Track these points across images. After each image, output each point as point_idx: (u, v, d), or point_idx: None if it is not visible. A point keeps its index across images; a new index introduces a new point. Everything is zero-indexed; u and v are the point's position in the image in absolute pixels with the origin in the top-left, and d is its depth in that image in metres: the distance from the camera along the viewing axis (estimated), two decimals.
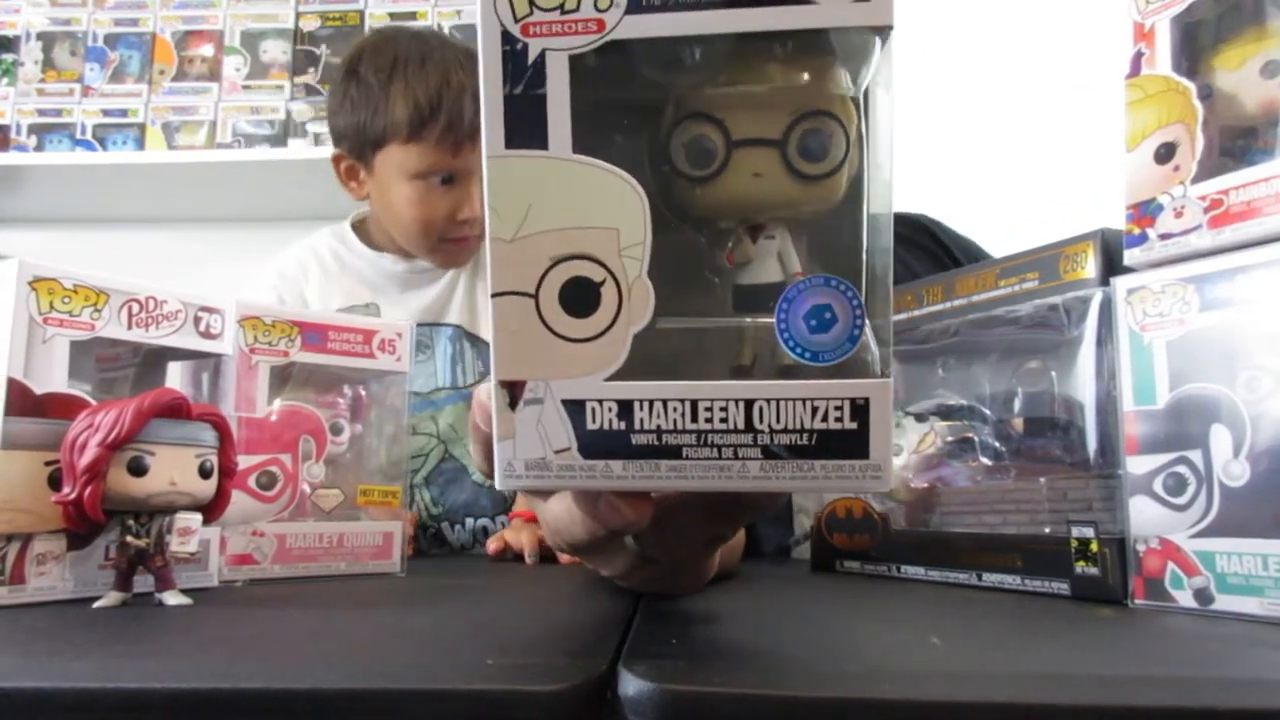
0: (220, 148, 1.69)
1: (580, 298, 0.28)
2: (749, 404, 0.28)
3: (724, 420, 0.28)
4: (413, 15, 1.73)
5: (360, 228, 1.14)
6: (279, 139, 1.69)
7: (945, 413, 0.64)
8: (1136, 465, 0.48)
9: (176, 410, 0.49)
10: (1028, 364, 0.60)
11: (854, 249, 0.30)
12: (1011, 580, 0.55)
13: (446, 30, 1.72)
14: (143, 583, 0.49)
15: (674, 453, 0.29)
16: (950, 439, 0.62)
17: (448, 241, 1.03)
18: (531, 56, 0.28)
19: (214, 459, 0.51)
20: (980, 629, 0.44)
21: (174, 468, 0.49)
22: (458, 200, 1.00)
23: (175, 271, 1.73)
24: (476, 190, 0.98)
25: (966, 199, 1.53)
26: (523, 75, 0.28)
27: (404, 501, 0.72)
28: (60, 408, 0.50)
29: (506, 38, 0.28)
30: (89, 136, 1.71)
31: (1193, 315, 0.46)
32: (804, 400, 0.28)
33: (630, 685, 0.29)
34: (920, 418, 0.64)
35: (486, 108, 0.28)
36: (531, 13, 0.28)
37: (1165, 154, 0.49)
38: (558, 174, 0.28)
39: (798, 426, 0.28)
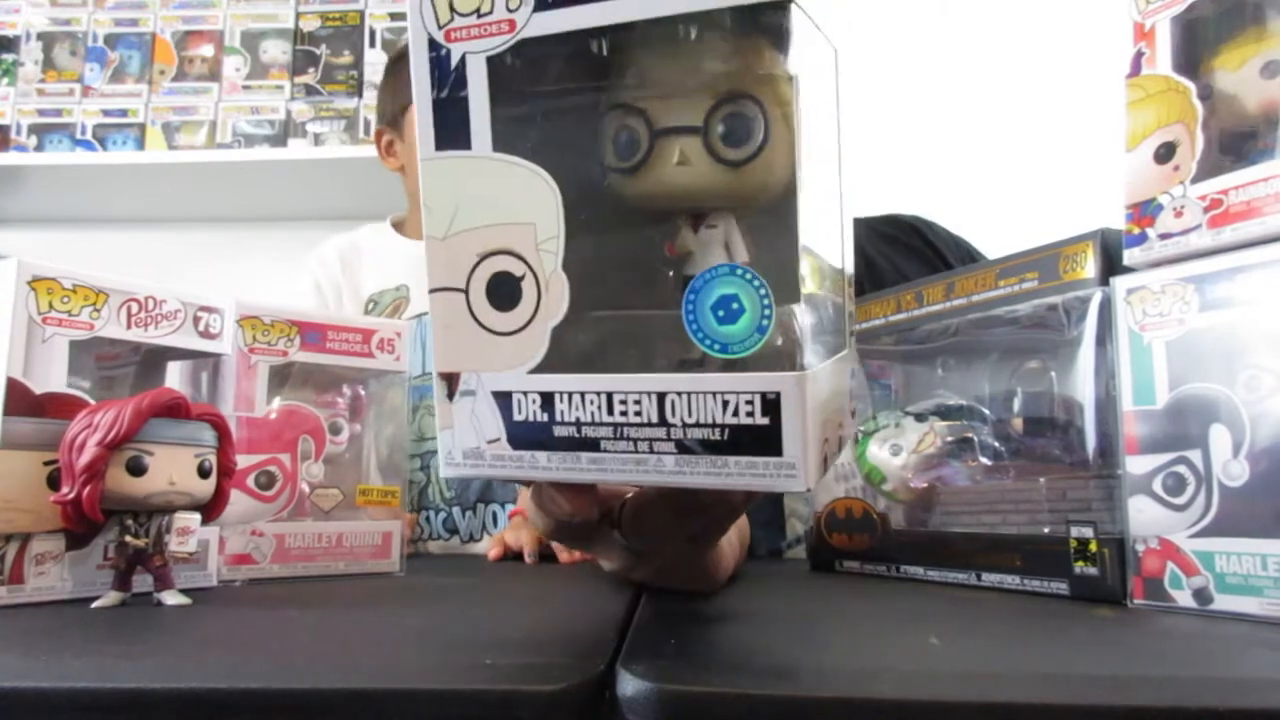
0: (220, 148, 1.69)
1: (504, 292, 0.29)
2: (661, 397, 0.28)
3: (639, 414, 0.28)
4: None
5: (398, 225, 1.20)
6: (279, 139, 1.69)
7: (945, 412, 0.64)
8: (1136, 465, 0.48)
9: (175, 410, 0.49)
10: (1027, 364, 0.60)
11: (790, 237, 0.30)
12: (1011, 580, 0.55)
13: None
14: (142, 582, 0.49)
15: (593, 445, 0.29)
16: (950, 439, 0.62)
17: None
18: (454, 61, 0.29)
19: (213, 459, 0.51)
20: (979, 629, 0.44)
21: (173, 467, 0.49)
22: None
23: (175, 271, 1.73)
24: None
25: (966, 199, 1.53)
26: (447, 79, 0.29)
27: (404, 503, 0.72)
28: (59, 407, 0.50)
29: (432, 44, 0.29)
30: (89, 136, 1.71)
31: (1192, 315, 0.46)
32: (714, 394, 0.28)
33: (628, 685, 0.29)
34: (920, 417, 0.64)
35: (419, 113, 0.30)
36: (453, 19, 0.29)
37: (1165, 154, 0.49)
38: (480, 172, 0.29)
39: (709, 421, 0.28)
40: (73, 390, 0.51)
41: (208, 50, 1.75)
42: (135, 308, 0.54)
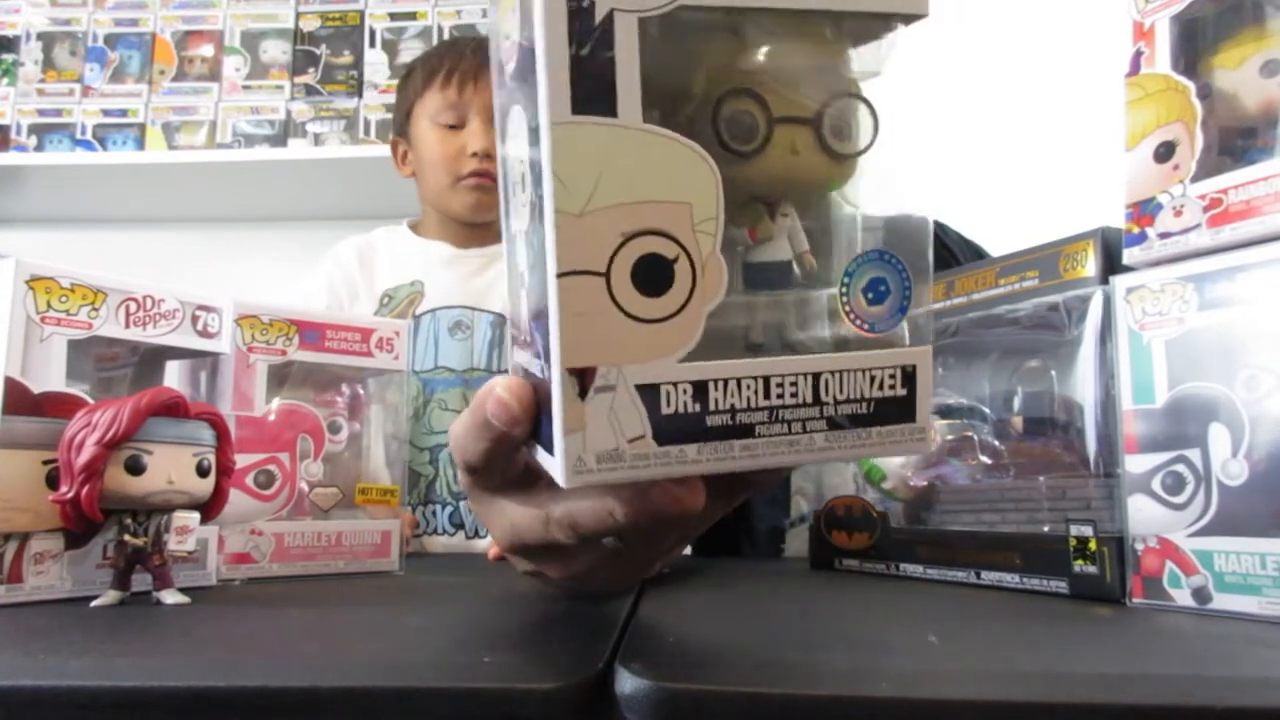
0: (220, 148, 1.69)
1: (653, 276, 0.27)
2: (816, 377, 0.29)
3: (794, 395, 0.29)
4: (413, 15, 1.74)
5: (413, 227, 1.22)
6: (279, 139, 1.69)
7: (945, 411, 0.64)
8: (1135, 464, 0.48)
9: (174, 409, 0.49)
10: (1027, 363, 0.60)
11: (836, 228, 0.32)
12: (1010, 579, 0.55)
13: (446, 31, 1.72)
14: (141, 581, 0.49)
15: (747, 431, 0.28)
16: (950, 437, 0.62)
17: (464, 179, 1.12)
18: (598, 16, 0.26)
19: (212, 458, 0.51)
20: (978, 627, 0.44)
21: (172, 466, 0.49)
22: (466, 138, 1.11)
23: (175, 271, 1.73)
24: (481, 126, 1.10)
25: (966, 198, 1.53)
26: (590, 36, 0.26)
27: (401, 500, 0.72)
28: (58, 406, 0.50)
29: None
30: (89, 136, 1.71)
31: (1192, 314, 0.46)
32: (864, 370, 0.29)
33: (627, 683, 0.29)
34: None
35: (549, 69, 0.26)
36: None
37: (1164, 153, 0.49)
38: (628, 144, 0.27)
39: (859, 396, 0.29)
40: (71, 390, 0.51)
41: (208, 50, 1.75)
42: (133, 307, 0.54)
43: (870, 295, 0.30)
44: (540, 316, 0.28)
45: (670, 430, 0.28)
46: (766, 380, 0.28)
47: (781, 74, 0.31)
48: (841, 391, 0.29)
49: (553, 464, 0.28)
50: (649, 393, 0.27)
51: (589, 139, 0.26)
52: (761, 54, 0.31)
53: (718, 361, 0.28)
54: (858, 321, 0.30)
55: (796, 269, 0.31)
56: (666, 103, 0.29)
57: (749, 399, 0.28)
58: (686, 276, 0.27)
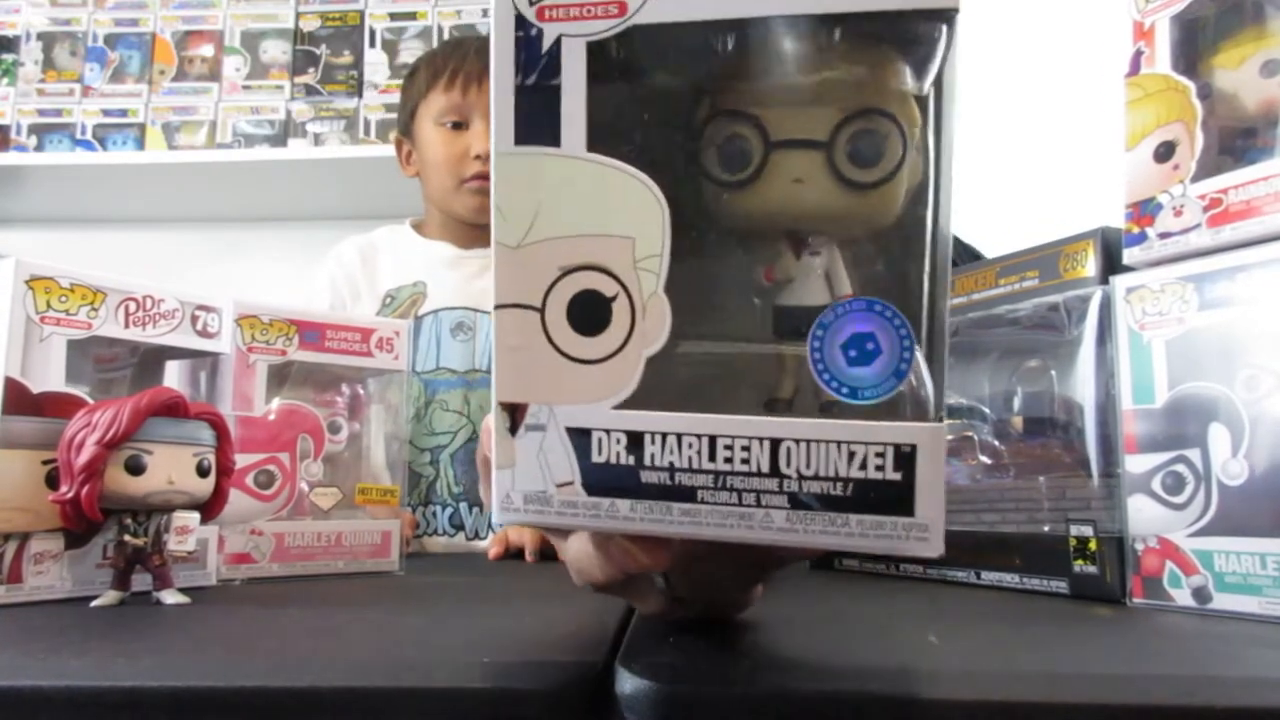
0: (220, 148, 1.69)
1: (590, 314, 0.25)
2: (775, 444, 0.25)
3: (745, 461, 0.25)
4: (413, 15, 1.74)
5: (417, 227, 1.22)
6: (279, 139, 1.69)
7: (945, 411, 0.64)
8: (1135, 464, 0.48)
9: (174, 409, 0.49)
10: (1027, 363, 0.60)
11: (910, 273, 0.26)
12: (1010, 579, 0.55)
13: (446, 31, 1.72)
14: (141, 581, 0.49)
15: (688, 495, 0.25)
16: (950, 437, 0.62)
17: (467, 182, 1.11)
18: (546, 43, 0.26)
19: (212, 458, 0.51)
20: (978, 627, 0.44)
21: (172, 466, 0.49)
22: (470, 140, 1.10)
23: (175, 271, 1.73)
24: (484, 128, 1.09)
25: (966, 198, 1.52)
26: (536, 64, 0.26)
27: (401, 500, 0.71)
28: (57, 406, 0.50)
29: (520, 22, 0.26)
30: (89, 136, 1.71)
31: (1192, 314, 0.46)
32: (839, 443, 0.25)
33: (627, 684, 0.29)
34: None
35: (496, 99, 0.26)
36: None
37: (1165, 153, 0.49)
38: (570, 174, 0.26)
39: (831, 474, 0.25)
40: (71, 389, 0.51)
41: (208, 50, 1.75)
42: (133, 307, 0.54)
43: (853, 353, 0.25)
44: None
45: (601, 481, 0.26)
46: (712, 440, 0.25)
47: (787, 93, 0.27)
48: (807, 466, 0.25)
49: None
50: (580, 437, 0.26)
51: (530, 169, 0.26)
52: (763, 69, 0.27)
53: (656, 413, 0.25)
54: (834, 385, 0.25)
55: None
56: (649, 129, 0.27)
57: (690, 458, 0.25)
58: (625, 316, 0.25)
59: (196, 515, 0.50)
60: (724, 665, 0.33)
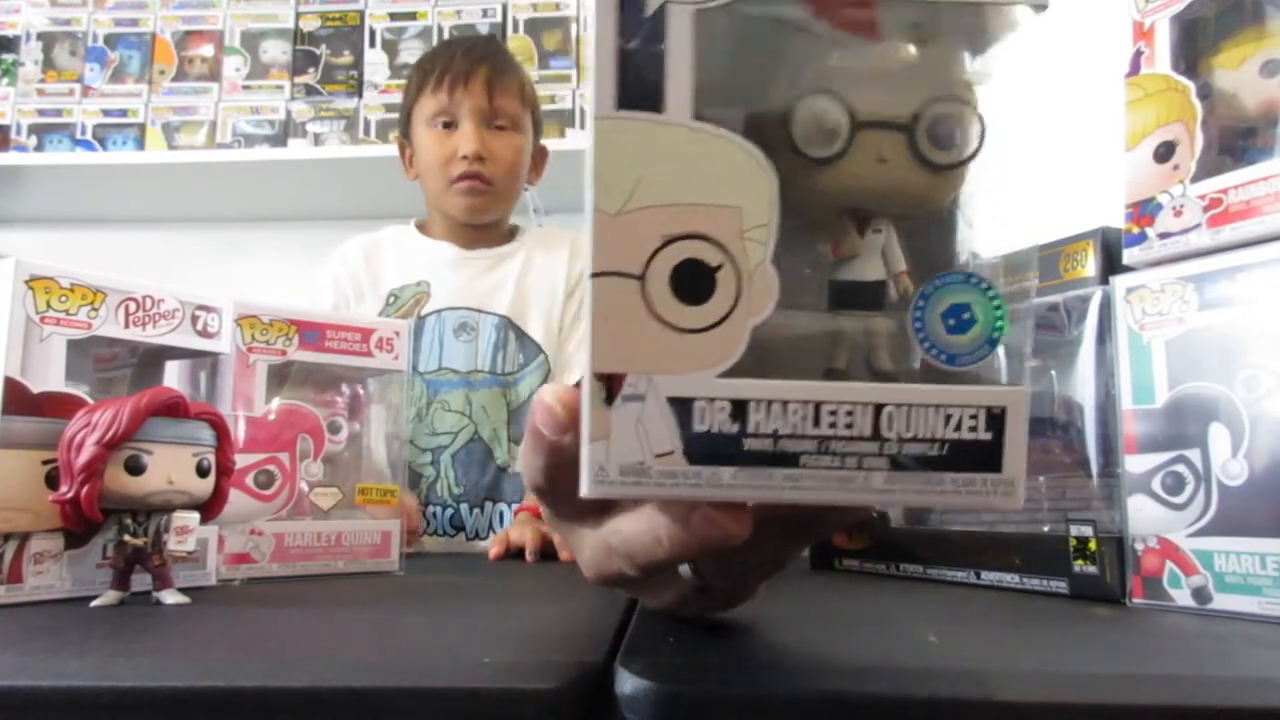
0: (220, 148, 1.69)
1: (693, 283, 0.25)
2: (878, 409, 0.26)
3: (849, 426, 0.26)
4: (413, 15, 1.74)
5: (420, 226, 1.22)
6: (279, 139, 1.69)
7: None
8: (1135, 464, 0.48)
9: (174, 409, 0.49)
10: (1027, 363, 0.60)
11: (961, 249, 0.29)
12: (1010, 579, 0.55)
13: (446, 30, 1.72)
14: (140, 581, 0.49)
15: (791, 460, 0.26)
16: None
17: (455, 182, 1.12)
18: (651, 7, 0.25)
19: (211, 458, 0.51)
20: (978, 627, 0.44)
21: (172, 466, 0.49)
22: (458, 140, 1.11)
23: (175, 271, 1.73)
24: (470, 128, 1.10)
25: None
26: (639, 27, 0.25)
27: (401, 487, 0.71)
28: (57, 406, 0.50)
29: None
30: (89, 136, 1.71)
31: (1192, 314, 0.46)
32: (938, 407, 0.26)
33: (627, 683, 0.29)
34: None
35: (597, 61, 0.25)
36: None
37: (1165, 153, 0.49)
38: (675, 141, 0.25)
39: (930, 436, 0.26)
40: (71, 389, 0.51)
41: (208, 50, 1.75)
42: (133, 307, 0.54)
43: (951, 322, 0.27)
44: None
45: (703, 449, 0.26)
46: (817, 406, 0.26)
47: (872, 74, 0.28)
48: (908, 428, 0.26)
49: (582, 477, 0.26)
50: (681, 407, 0.25)
51: (632, 136, 0.25)
52: (850, 52, 0.28)
53: (762, 380, 0.26)
54: (934, 352, 0.27)
55: (892, 291, 0.28)
56: (739, 104, 0.27)
57: (795, 425, 0.26)
58: (730, 286, 0.26)
59: (196, 515, 0.50)
60: (724, 665, 0.33)
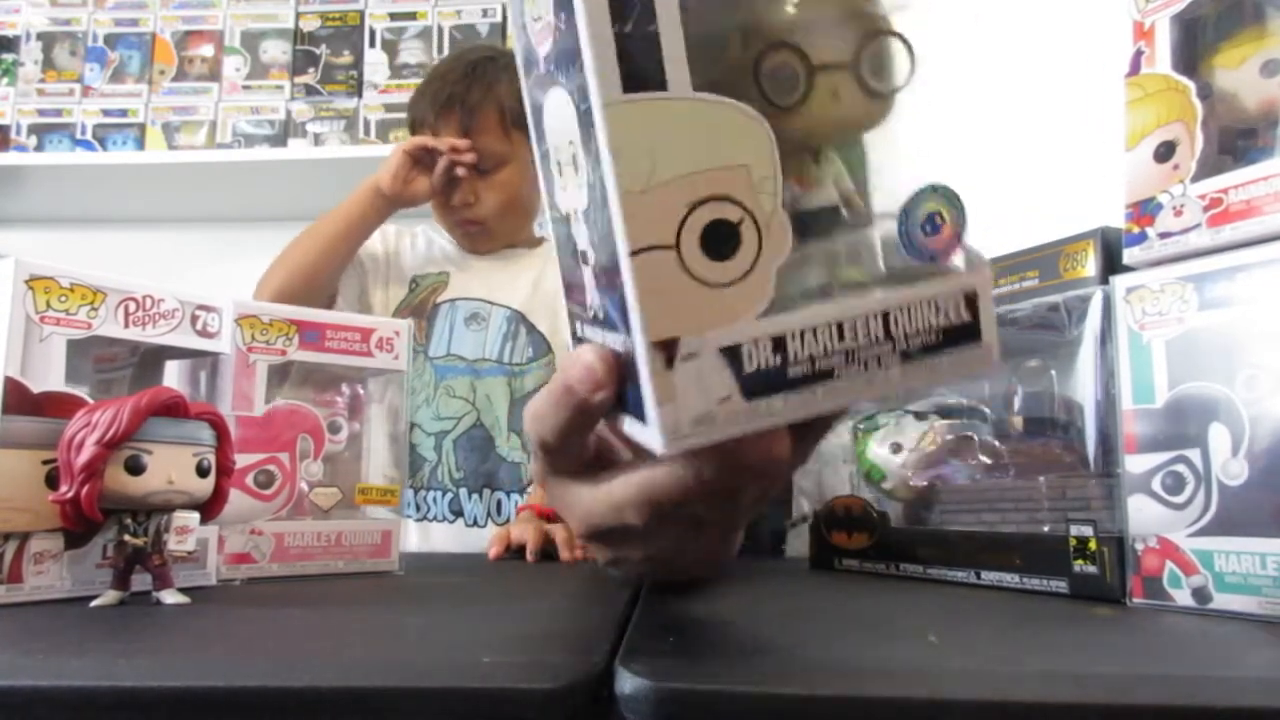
0: (220, 148, 1.69)
1: (721, 241, 0.27)
2: (885, 315, 0.30)
3: (868, 335, 0.29)
4: (413, 15, 1.74)
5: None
6: (279, 139, 1.69)
7: (945, 411, 0.64)
8: (1135, 464, 0.48)
9: (174, 409, 0.49)
10: (1027, 363, 0.60)
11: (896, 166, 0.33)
12: (1010, 579, 0.55)
13: (446, 30, 1.72)
14: (140, 581, 0.49)
15: (827, 375, 0.29)
16: (950, 437, 0.62)
17: (456, 225, 1.16)
18: None
19: (211, 458, 0.51)
20: (978, 627, 0.44)
21: (172, 466, 0.49)
22: (451, 188, 1.12)
23: (175, 271, 1.73)
24: (462, 177, 1.11)
25: (966, 197, 1.52)
26: (632, 10, 0.26)
27: (403, 489, 0.71)
28: (57, 406, 0.50)
29: None
30: (89, 136, 1.71)
31: (1192, 314, 0.46)
32: (929, 301, 0.30)
33: (627, 683, 0.29)
34: (920, 416, 0.64)
35: (595, 51, 0.26)
36: None
37: (1165, 153, 0.49)
38: (682, 114, 0.27)
39: (927, 327, 0.30)
40: (71, 389, 0.51)
41: (208, 50, 1.75)
42: (133, 306, 0.54)
43: (928, 228, 0.31)
44: (613, 290, 0.28)
45: (755, 386, 0.28)
46: (840, 325, 0.29)
47: (814, 23, 0.31)
48: (911, 325, 0.30)
49: (647, 432, 0.28)
50: (732, 354, 0.28)
51: (643, 117, 0.27)
52: (791, 5, 0.31)
53: (792, 314, 0.28)
54: (919, 255, 0.31)
55: (844, 211, 0.32)
56: (704, 67, 0.28)
57: (825, 345, 0.29)
58: (753, 236, 0.28)
59: (196, 515, 0.50)
60: (724, 665, 0.33)
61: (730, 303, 0.28)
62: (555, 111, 0.30)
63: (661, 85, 0.27)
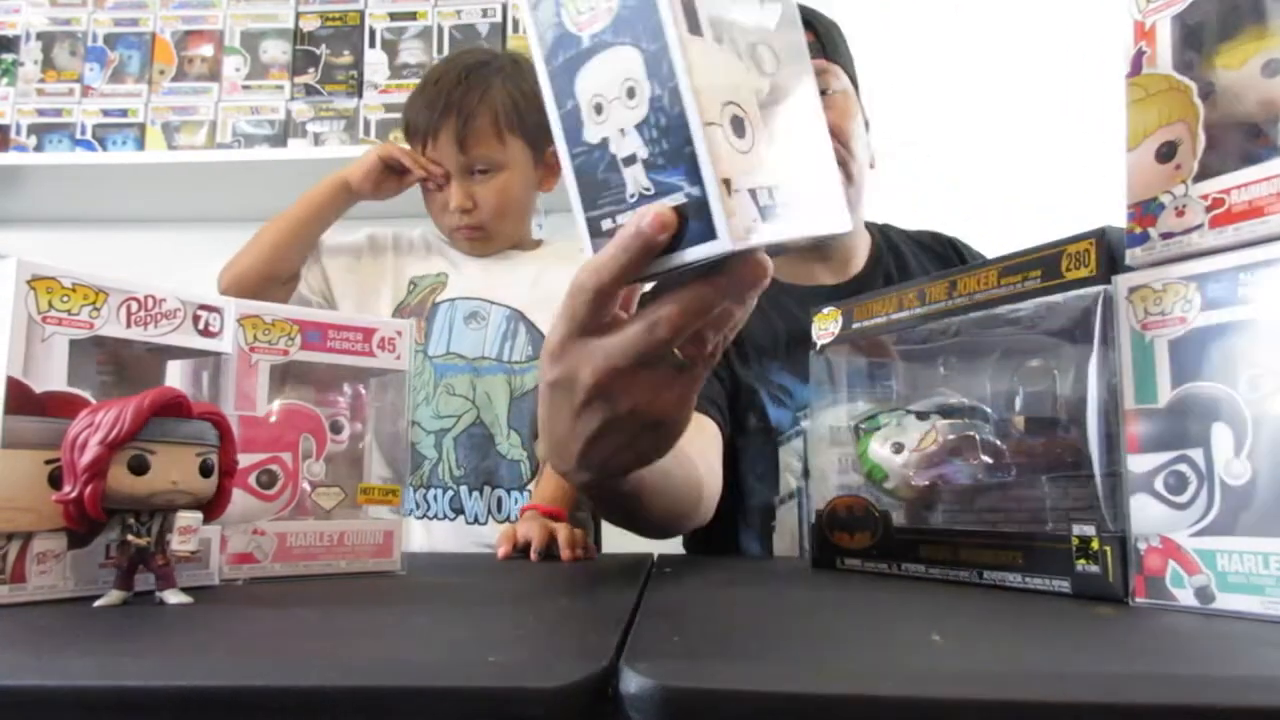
0: (220, 148, 1.69)
1: (740, 129, 0.41)
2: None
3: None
4: (413, 15, 1.73)
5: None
6: (279, 139, 1.69)
7: (947, 411, 0.64)
8: (1138, 464, 0.48)
9: (177, 409, 0.49)
10: (1029, 363, 0.60)
11: None
12: (1012, 578, 0.55)
13: (446, 30, 1.72)
14: (143, 581, 0.49)
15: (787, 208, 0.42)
16: (952, 437, 0.62)
17: (455, 231, 1.18)
18: None
19: (214, 457, 0.51)
20: (981, 627, 0.44)
21: (174, 466, 0.49)
22: (447, 195, 1.15)
23: (175, 271, 1.72)
24: (458, 183, 1.14)
25: (967, 197, 1.53)
26: None
27: (403, 487, 0.71)
28: (60, 406, 0.50)
29: None
30: (89, 136, 1.71)
31: (1194, 314, 0.46)
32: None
33: (631, 682, 0.29)
34: (922, 416, 0.64)
35: (670, 9, 0.39)
36: None
37: (1166, 153, 0.49)
38: (713, 51, 0.41)
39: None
40: (73, 389, 0.51)
41: (208, 50, 1.75)
42: (135, 306, 0.54)
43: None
44: (678, 162, 0.40)
45: (765, 214, 0.41)
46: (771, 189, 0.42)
47: None
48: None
49: (711, 246, 0.39)
50: (751, 191, 0.40)
51: (698, 49, 0.40)
52: None
53: (770, 158, 0.42)
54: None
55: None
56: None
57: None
58: (751, 126, 0.41)
59: (199, 515, 0.50)
60: (728, 665, 0.33)
61: (748, 162, 0.40)
62: (606, 66, 0.41)
63: (699, 31, 0.40)
